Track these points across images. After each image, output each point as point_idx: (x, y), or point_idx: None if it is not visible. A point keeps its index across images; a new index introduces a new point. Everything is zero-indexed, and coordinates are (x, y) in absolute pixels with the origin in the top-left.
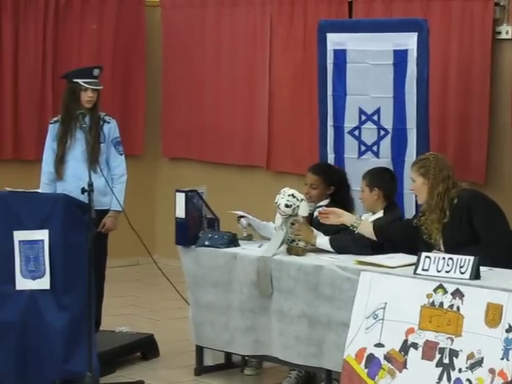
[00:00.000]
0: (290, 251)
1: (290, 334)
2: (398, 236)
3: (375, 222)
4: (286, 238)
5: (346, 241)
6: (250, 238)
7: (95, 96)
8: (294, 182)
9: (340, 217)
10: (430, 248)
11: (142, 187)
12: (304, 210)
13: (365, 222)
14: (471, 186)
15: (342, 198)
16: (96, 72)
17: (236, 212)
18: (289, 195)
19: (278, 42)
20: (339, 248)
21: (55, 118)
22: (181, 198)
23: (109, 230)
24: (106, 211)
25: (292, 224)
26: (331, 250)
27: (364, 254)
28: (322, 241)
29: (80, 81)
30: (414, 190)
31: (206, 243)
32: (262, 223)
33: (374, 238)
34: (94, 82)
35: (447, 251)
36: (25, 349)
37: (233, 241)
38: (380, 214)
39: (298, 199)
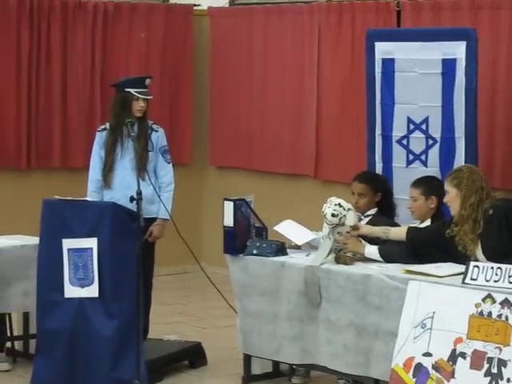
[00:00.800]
0: (338, 260)
1: (337, 342)
2: (430, 239)
3: (411, 228)
4: (334, 247)
5: (395, 250)
6: (298, 247)
7: (146, 105)
8: (341, 191)
9: (359, 243)
10: (464, 258)
11: (189, 196)
12: (351, 219)
13: (394, 228)
14: None
15: (387, 204)
16: (148, 82)
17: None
18: (335, 204)
19: (325, 51)
20: (388, 257)
21: (103, 126)
22: (229, 207)
23: (156, 238)
24: (153, 219)
25: (338, 233)
26: (380, 259)
27: (412, 263)
28: (371, 250)
29: (132, 90)
30: (448, 202)
31: (254, 252)
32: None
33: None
34: (145, 91)
35: (489, 261)
36: (73, 356)
37: (281, 249)
38: (428, 222)
39: (344, 208)
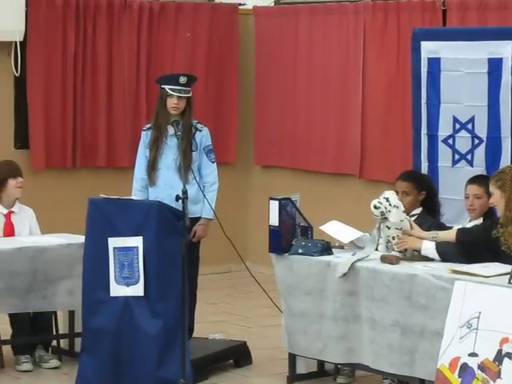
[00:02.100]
0: (383, 260)
1: (381, 342)
2: (479, 239)
3: (460, 229)
4: (386, 241)
5: (451, 248)
6: (342, 247)
7: (181, 103)
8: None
9: (416, 239)
10: (509, 258)
11: (234, 195)
12: (395, 216)
13: (442, 232)
14: None
15: (432, 204)
16: (182, 79)
17: (326, 230)
18: (384, 198)
19: (371, 50)
20: (444, 254)
21: (148, 125)
22: (274, 206)
23: (200, 238)
24: (196, 219)
25: (393, 238)
26: (436, 256)
27: (465, 262)
28: (429, 246)
29: (166, 87)
30: (493, 203)
31: (300, 251)
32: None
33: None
34: (179, 89)
35: None
36: (118, 355)
37: (326, 249)
38: (480, 220)
39: (390, 204)
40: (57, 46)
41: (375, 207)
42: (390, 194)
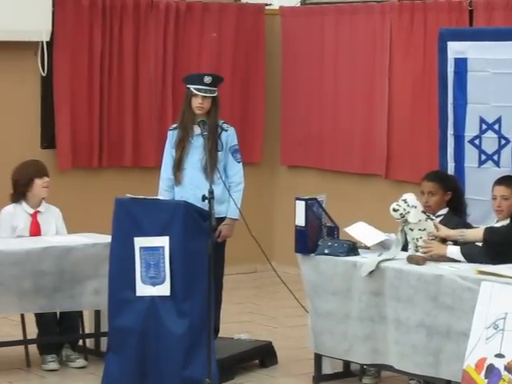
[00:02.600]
0: (410, 260)
1: (406, 343)
2: (506, 239)
3: (487, 228)
4: (413, 243)
5: (475, 249)
6: (367, 248)
7: (206, 103)
8: (412, 191)
9: (441, 245)
10: None
11: (260, 195)
12: (414, 216)
13: (470, 230)
14: None
15: (458, 204)
16: (207, 79)
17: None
18: (402, 200)
19: (397, 50)
20: (469, 256)
21: (174, 125)
22: (301, 206)
23: (225, 238)
24: (222, 219)
25: (417, 239)
26: (461, 258)
27: (491, 263)
28: (453, 250)
29: (191, 86)
30: None
31: (326, 251)
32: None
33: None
34: (203, 88)
35: None
36: (144, 355)
37: (352, 249)
38: (507, 221)
39: (409, 205)
40: (83, 46)
41: (394, 210)
42: (408, 196)
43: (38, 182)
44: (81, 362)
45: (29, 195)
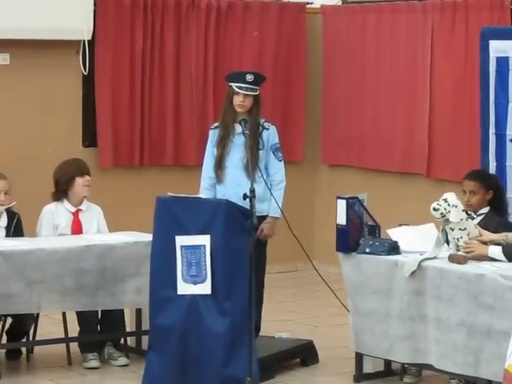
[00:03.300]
0: (451, 259)
1: (447, 342)
2: None
3: None
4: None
5: None
6: None
7: (248, 102)
8: (453, 190)
9: (483, 245)
10: None
11: (301, 194)
12: (455, 215)
13: None
14: None
15: (499, 203)
16: (249, 77)
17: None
18: (442, 199)
19: (439, 49)
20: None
21: (216, 124)
22: (342, 205)
23: (266, 237)
24: (263, 217)
25: (458, 239)
26: (503, 258)
27: None
28: (495, 250)
29: (233, 84)
30: None
31: (367, 250)
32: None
33: None
34: (245, 86)
35: None
36: (185, 353)
37: (394, 248)
38: None
39: (449, 204)
40: (125, 45)
41: (434, 209)
42: (449, 195)
43: (79, 181)
44: (123, 360)
45: (70, 194)
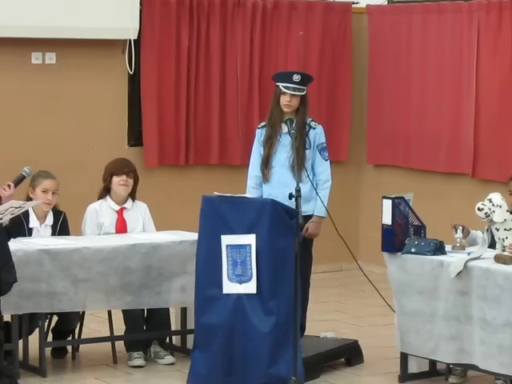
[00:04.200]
0: (497, 259)
1: (492, 343)
2: None
3: None
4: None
5: None
6: (462, 248)
7: (294, 101)
8: (499, 191)
9: None
10: None
11: (346, 193)
12: (499, 216)
13: None
14: None
15: None
16: (296, 77)
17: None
18: (487, 199)
19: (485, 49)
20: None
21: (263, 123)
22: (387, 205)
23: (311, 236)
24: (309, 217)
25: (503, 239)
26: None
27: None
28: None
29: (280, 84)
30: None
31: (413, 250)
32: (475, 233)
33: None
34: (292, 86)
35: None
36: (230, 352)
37: (439, 248)
38: None
39: (494, 204)
40: (170, 44)
41: (479, 209)
42: (494, 195)
43: (115, 180)
44: (169, 358)
45: (113, 192)
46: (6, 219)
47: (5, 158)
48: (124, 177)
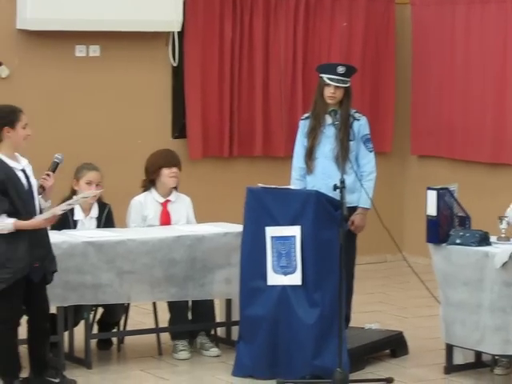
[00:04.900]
0: None
1: None
2: None
3: None
4: None
5: None
6: (507, 239)
7: (338, 93)
8: None
9: None
10: None
11: (390, 185)
12: None
13: None
14: None
15: None
16: (341, 69)
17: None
18: None
19: None
20: None
21: (306, 115)
22: (432, 196)
23: (358, 228)
24: (353, 208)
25: None
26: None
27: None
28: None
29: (324, 76)
30: None
31: (457, 241)
32: None
33: None
34: (336, 78)
35: None
36: (276, 343)
37: (484, 239)
38: None
39: None
40: (214, 36)
41: None
42: None
43: (165, 172)
44: (215, 351)
45: (158, 184)
46: (66, 208)
47: (50, 151)
48: (174, 169)
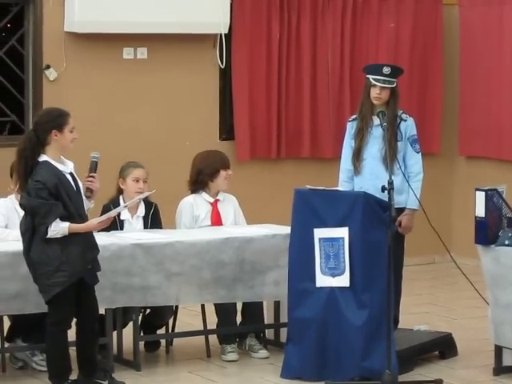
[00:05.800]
0: None
1: None
2: None
3: None
4: None
5: None
6: None
7: (384, 94)
8: None
9: None
10: None
11: (438, 186)
12: None
13: None
14: None
15: None
16: (386, 70)
17: None
18: None
19: None
20: None
21: (353, 116)
22: (480, 197)
23: (406, 229)
24: (401, 210)
25: None
26: None
27: None
28: None
29: (370, 77)
30: None
31: (507, 242)
32: None
33: None
34: (382, 79)
35: None
36: (324, 345)
37: None
38: None
39: None
40: (261, 38)
41: None
42: None
43: (223, 174)
44: (263, 353)
45: (211, 185)
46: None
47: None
48: (229, 171)
